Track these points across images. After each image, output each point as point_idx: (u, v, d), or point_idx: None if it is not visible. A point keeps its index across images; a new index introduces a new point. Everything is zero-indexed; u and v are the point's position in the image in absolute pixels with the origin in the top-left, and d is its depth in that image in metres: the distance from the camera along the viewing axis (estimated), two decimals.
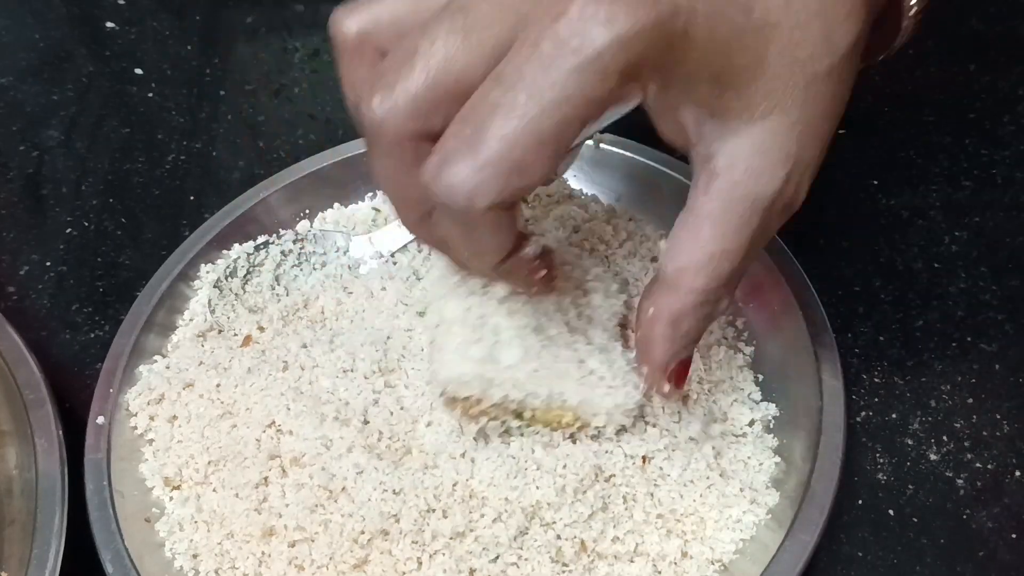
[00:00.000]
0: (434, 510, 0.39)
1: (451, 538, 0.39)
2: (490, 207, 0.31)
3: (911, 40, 0.40)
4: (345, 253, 0.50)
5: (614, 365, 0.40)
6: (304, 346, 0.45)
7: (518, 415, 0.40)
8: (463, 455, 0.40)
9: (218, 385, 0.45)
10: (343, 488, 0.40)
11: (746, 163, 0.33)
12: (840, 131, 0.56)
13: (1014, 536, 0.42)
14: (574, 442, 0.41)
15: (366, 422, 0.42)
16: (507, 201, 0.31)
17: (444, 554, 0.39)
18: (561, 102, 0.30)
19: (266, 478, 0.42)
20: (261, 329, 0.47)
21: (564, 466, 0.40)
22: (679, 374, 0.38)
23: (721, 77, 0.32)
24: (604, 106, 0.31)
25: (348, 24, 0.34)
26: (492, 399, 0.39)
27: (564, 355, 0.39)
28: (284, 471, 0.42)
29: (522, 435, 0.40)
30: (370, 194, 0.53)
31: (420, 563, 0.39)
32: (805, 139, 0.34)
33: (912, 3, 0.38)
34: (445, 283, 0.40)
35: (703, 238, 0.34)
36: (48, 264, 0.53)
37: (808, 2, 0.32)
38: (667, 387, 0.38)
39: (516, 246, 0.35)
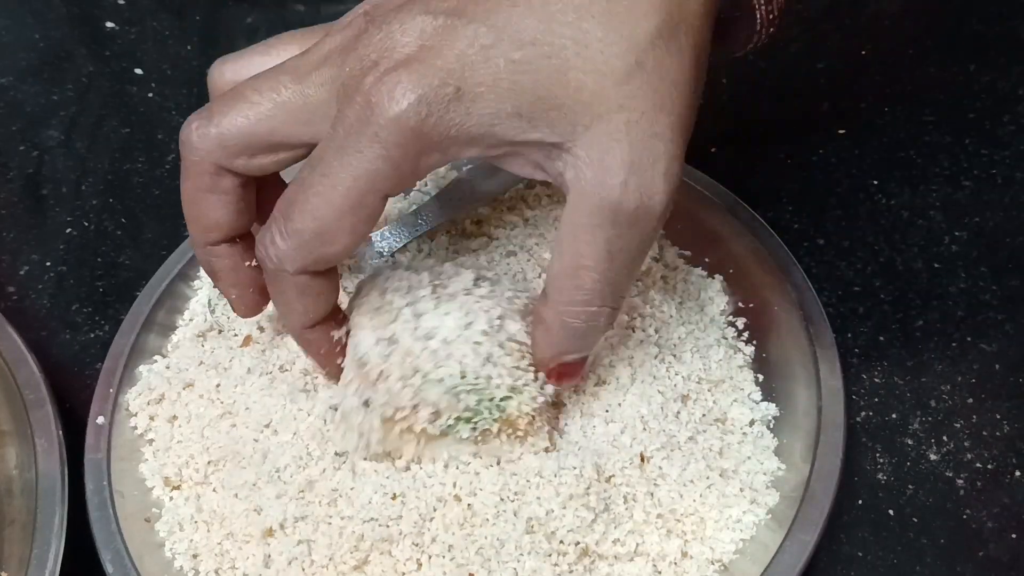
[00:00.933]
0: (434, 517, 0.39)
1: (451, 544, 0.39)
2: (297, 271, 0.36)
3: (779, 29, 0.39)
4: None
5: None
6: None
7: (466, 420, 0.39)
8: (464, 460, 0.40)
9: (218, 385, 0.45)
10: (346, 491, 0.40)
11: (584, 176, 0.34)
12: (840, 131, 0.57)
13: (1014, 536, 0.42)
14: (574, 448, 0.41)
15: None
16: (312, 267, 0.36)
17: (444, 557, 0.38)
18: (353, 181, 0.34)
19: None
20: (261, 329, 0.47)
21: (563, 468, 0.40)
22: (560, 374, 0.39)
23: (523, 113, 0.33)
24: (401, 179, 0.34)
25: (222, 71, 0.39)
26: (428, 400, 0.38)
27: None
28: None
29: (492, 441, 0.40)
30: None
31: (420, 564, 0.39)
32: (640, 138, 0.33)
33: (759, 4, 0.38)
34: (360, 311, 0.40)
35: (563, 253, 0.35)
36: (48, 264, 0.53)
37: (584, 10, 0.33)
38: (550, 383, 0.39)
39: (326, 319, 0.39)
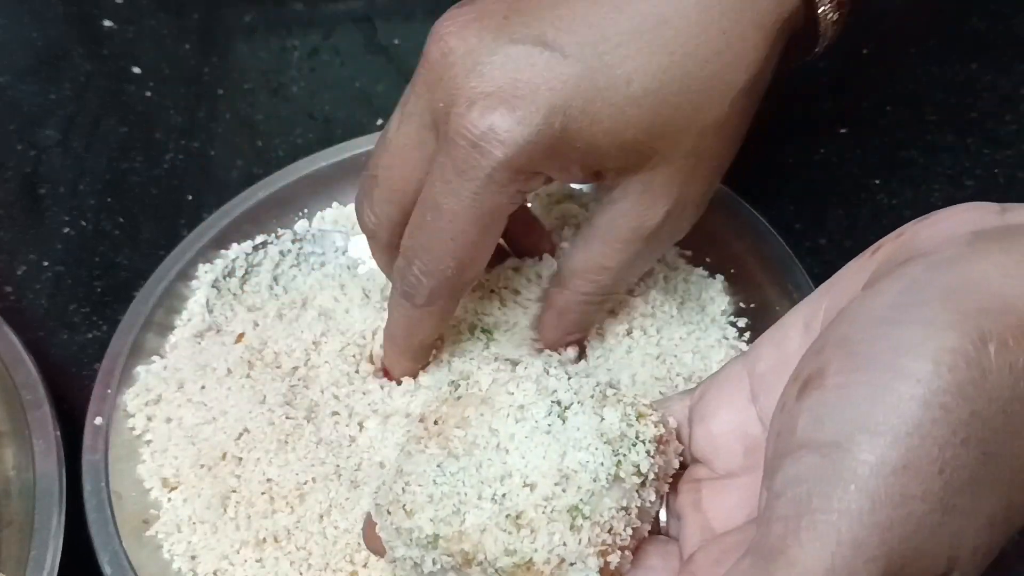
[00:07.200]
0: None
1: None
2: (447, 301, 0.39)
3: (835, 40, 0.40)
4: (344, 253, 0.50)
5: None
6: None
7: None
8: None
9: (203, 387, 0.44)
10: (341, 501, 0.40)
11: (635, 197, 0.38)
12: (842, 130, 0.57)
13: (1017, 536, 0.41)
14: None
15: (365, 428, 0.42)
16: (460, 294, 0.40)
17: None
18: (477, 217, 0.36)
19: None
20: (256, 325, 0.47)
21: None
22: (565, 345, 0.44)
23: (612, 151, 0.36)
24: (517, 202, 0.37)
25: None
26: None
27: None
28: None
29: None
30: None
31: None
32: (690, 182, 0.38)
33: (827, 13, 0.39)
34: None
35: (592, 252, 0.40)
36: (46, 264, 0.53)
37: (691, 53, 0.34)
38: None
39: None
